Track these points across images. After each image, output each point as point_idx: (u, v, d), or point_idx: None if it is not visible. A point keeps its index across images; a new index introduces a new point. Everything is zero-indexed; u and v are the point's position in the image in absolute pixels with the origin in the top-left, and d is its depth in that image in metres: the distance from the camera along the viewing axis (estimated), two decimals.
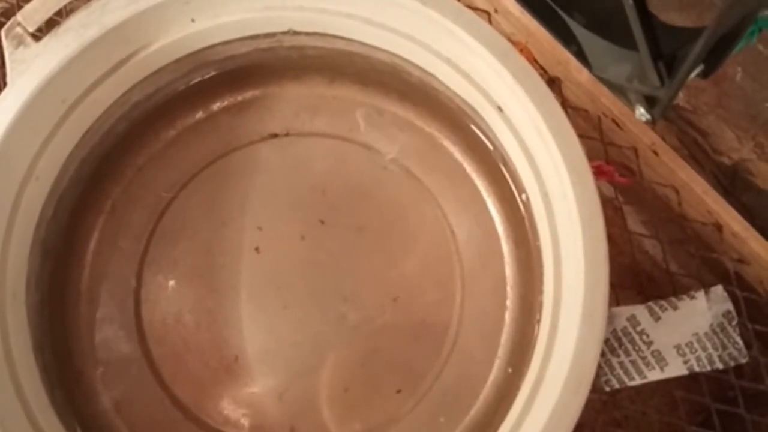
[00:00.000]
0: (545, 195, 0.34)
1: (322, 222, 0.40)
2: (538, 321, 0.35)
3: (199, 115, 0.42)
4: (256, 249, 0.40)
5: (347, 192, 0.41)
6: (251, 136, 0.42)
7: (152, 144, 0.41)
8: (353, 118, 0.42)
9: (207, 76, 0.40)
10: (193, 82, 0.40)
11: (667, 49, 0.27)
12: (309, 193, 0.41)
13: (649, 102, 0.29)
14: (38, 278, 0.36)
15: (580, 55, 0.31)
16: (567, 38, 0.31)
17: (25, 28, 0.33)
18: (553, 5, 0.31)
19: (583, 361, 0.30)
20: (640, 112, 0.30)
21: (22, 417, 0.31)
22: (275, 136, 0.42)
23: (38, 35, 0.33)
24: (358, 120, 0.42)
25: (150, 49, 0.36)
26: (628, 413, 0.47)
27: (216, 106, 0.42)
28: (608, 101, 0.43)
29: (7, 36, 0.33)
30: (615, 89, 0.30)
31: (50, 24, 0.36)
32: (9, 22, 0.34)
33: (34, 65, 0.33)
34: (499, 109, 0.35)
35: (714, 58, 0.27)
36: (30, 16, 0.33)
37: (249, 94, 0.42)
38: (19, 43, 0.34)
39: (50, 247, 0.37)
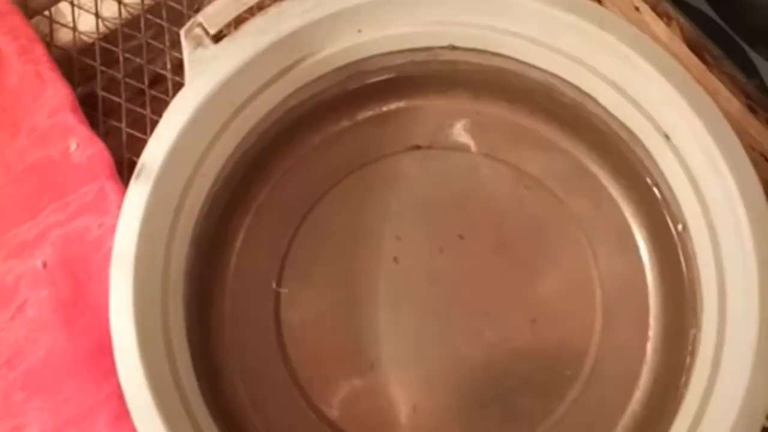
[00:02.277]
0: (711, 228, 0.33)
1: (461, 237, 0.40)
2: (691, 353, 0.34)
3: (345, 123, 0.42)
4: (395, 259, 0.40)
5: (487, 208, 0.41)
6: (394, 146, 0.42)
7: (299, 149, 0.42)
8: (497, 135, 0.42)
9: (358, 86, 0.41)
10: (344, 91, 0.40)
11: None
12: (448, 206, 0.41)
13: None
14: (191, 273, 0.37)
15: (763, 90, 0.30)
16: (748, 70, 0.30)
17: (205, 30, 0.34)
18: (736, 37, 0.31)
19: (755, 404, 0.29)
20: None
21: (180, 409, 0.32)
22: (418, 148, 0.42)
23: (217, 36, 0.34)
24: (501, 137, 0.42)
25: (316, 57, 0.37)
26: None
27: (361, 115, 0.42)
28: (758, 134, 0.42)
29: (186, 36, 0.35)
30: None
31: (239, 21, 0.36)
32: (189, 23, 0.35)
33: (212, 67, 0.34)
34: (666, 137, 0.34)
35: None
36: (211, 18, 0.34)
37: (394, 106, 0.43)
38: (198, 44, 0.35)
39: (201, 244, 0.38)
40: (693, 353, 0.34)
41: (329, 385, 0.38)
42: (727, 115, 0.42)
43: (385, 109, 0.43)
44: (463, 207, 0.41)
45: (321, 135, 0.42)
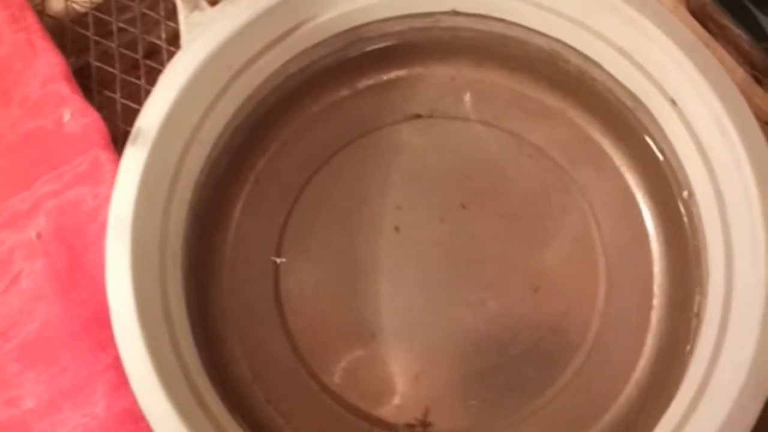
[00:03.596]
0: (719, 194, 0.32)
1: (463, 206, 0.40)
2: (696, 321, 0.33)
3: (344, 92, 0.42)
4: (396, 228, 0.39)
5: (489, 178, 0.40)
6: (395, 115, 0.41)
7: (298, 118, 0.41)
8: (499, 103, 0.41)
9: (357, 54, 0.40)
10: (343, 59, 0.40)
11: None
12: (450, 176, 0.40)
13: None
14: (189, 242, 0.36)
15: None
16: (758, 34, 0.30)
17: None
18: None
19: (763, 369, 0.29)
20: None
21: (180, 377, 0.31)
22: (419, 117, 0.41)
23: None
24: (504, 105, 0.41)
25: (315, 21, 0.36)
26: None
27: (361, 84, 0.42)
28: (763, 103, 0.42)
29: None
30: None
31: None
32: None
33: (209, 30, 0.33)
34: (673, 102, 0.34)
35: None
36: None
37: (394, 74, 0.42)
38: (195, 6, 0.34)
39: (199, 212, 0.37)
40: (698, 321, 0.33)
41: (330, 354, 0.38)
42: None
43: (385, 77, 0.42)
44: (466, 176, 0.40)
45: (320, 104, 0.42)
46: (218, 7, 0.34)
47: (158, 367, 0.29)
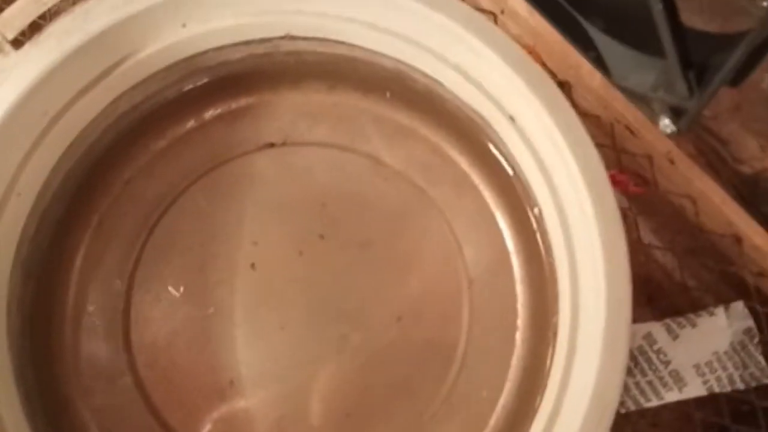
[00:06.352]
0: (560, 210, 0.32)
1: (322, 237, 0.38)
2: (553, 344, 0.33)
3: (191, 124, 0.39)
4: (252, 265, 0.37)
5: (348, 205, 0.39)
6: (246, 145, 0.39)
7: (141, 155, 0.39)
8: (354, 126, 0.40)
9: (199, 84, 0.38)
10: (184, 90, 0.38)
11: (697, 57, 0.25)
12: (308, 205, 0.39)
13: (675, 113, 0.27)
14: (20, 301, 0.34)
15: (599, 62, 0.29)
16: (585, 44, 0.29)
17: (2, 35, 0.31)
18: (570, 8, 0.29)
19: (606, 391, 0.28)
20: (665, 123, 0.28)
21: None
22: (272, 145, 0.39)
23: (21, 39, 0.31)
24: (360, 128, 0.40)
25: (138, 56, 0.34)
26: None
27: (208, 114, 0.40)
28: (621, 107, 0.41)
29: None
30: (636, 98, 0.28)
31: (34, 28, 0.33)
32: None
33: (13, 75, 0.31)
34: (511, 119, 0.33)
35: (745, 66, 0.26)
36: (9, 22, 0.31)
37: (243, 102, 0.40)
38: None
39: (33, 267, 0.35)
40: (555, 342, 0.32)
41: (187, 408, 0.36)
42: (591, 90, 0.42)
43: (234, 106, 0.40)
44: (323, 205, 0.38)
45: (166, 139, 0.39)
46: (23, 50, 0.31)
47: None
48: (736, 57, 0.23)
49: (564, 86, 0.43)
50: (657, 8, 0.24)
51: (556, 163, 0.31)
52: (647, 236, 0.45)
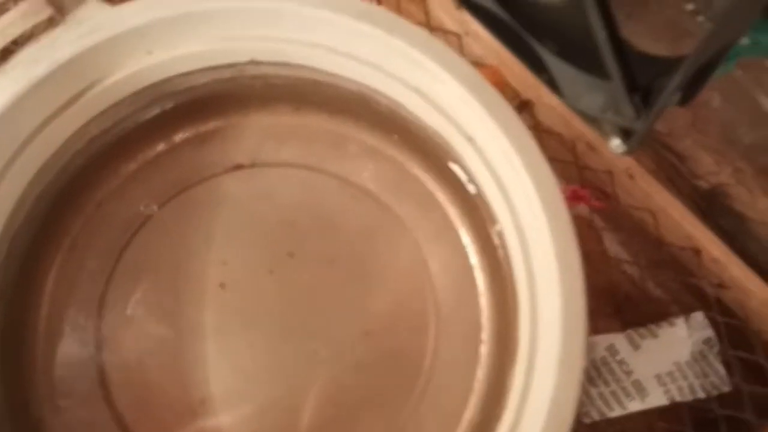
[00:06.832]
0: (519, 228, 0.32)
1: (291, 255, 0.39)
2: (515, 357, 0.33)
3: (161, 147, 0.40)
4: (221, 285, 0.38)
5: (316, 223, 0.39)
6: (215, 167, 0.40)
7: (111, 179, 0.39)
8: (321, 147, 0.41)
9: (167, 108, 0.39)
10: (152, 115, 0.38)
11: (642, 80, 0.26)
12: (276, 225, 0.39)
13: (625, 133, 0.28)
14: None
15: (552, 84, 0.30)
16: (538, 67, 0.30)
17: None
18: (522, 32, 0.30)
19: (562, 408, 0.29)
20: (616, 143, 0.29)
21: None
22: (240, 167, 0.40)
23: None
24: (327, 149, 0.40)
25: (105, 82, 0.34)
26: None
27: (177, 137, 0.40)
28: (581, 125, 0.42)
29: None
30: (589, 120, 0.29)
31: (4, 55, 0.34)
32: None
33: None
34: (470, 139, 0.34)
35: (692, 86, 0.27)
36: None
37: (211, 125, 0.41)
38: None
39: (2, 291, 0.35)
40: (516, 354, 0.33)
41: (158, 427, 0.36)
42: (552, 108, 0.43)
43: (202, 129, 0.41)
44: (292, 224, 0.39)
45: (137, 161, 0.40)
46: None
47: None
48: (677, 80, 0.24)
49: (527, 105, 0.45)
50: (601, 35, 0.25)
51: (514, 182, 0.32)
52: (614, 249, 0.46)
